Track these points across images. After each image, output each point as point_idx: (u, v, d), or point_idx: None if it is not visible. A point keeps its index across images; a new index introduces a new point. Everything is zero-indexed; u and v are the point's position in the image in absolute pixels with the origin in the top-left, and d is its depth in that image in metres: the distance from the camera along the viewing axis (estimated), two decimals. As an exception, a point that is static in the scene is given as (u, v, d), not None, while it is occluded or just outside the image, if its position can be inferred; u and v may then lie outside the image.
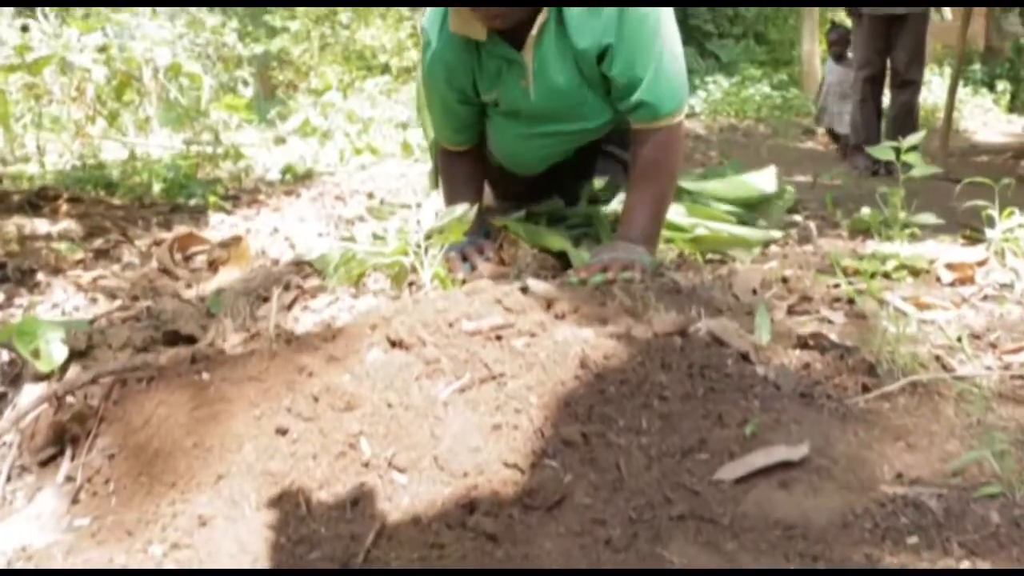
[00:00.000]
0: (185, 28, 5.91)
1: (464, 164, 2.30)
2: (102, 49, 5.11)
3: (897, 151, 5.20)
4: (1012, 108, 10.32)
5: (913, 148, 1.99)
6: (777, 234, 2.37)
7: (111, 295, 2.08)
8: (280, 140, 6.76)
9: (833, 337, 1.40)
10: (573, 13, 1.92)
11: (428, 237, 1.64)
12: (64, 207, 3.58)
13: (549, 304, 1.51)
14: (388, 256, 1.76)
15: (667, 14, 1.99)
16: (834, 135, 7.15)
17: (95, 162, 4.50)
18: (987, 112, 11.49)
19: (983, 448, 1.03)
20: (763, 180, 2.49)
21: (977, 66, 13.18)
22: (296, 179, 4.27)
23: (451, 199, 2.21)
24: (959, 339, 1.43)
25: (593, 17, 1.91)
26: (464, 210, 1.74)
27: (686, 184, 2.51)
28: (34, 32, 5.28)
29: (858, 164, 5.27)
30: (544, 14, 1.91)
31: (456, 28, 1.95)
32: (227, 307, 1.86)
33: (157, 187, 3.95)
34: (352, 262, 1.84)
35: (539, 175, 2.44)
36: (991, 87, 12.79)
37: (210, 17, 6.52)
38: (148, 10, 5.61)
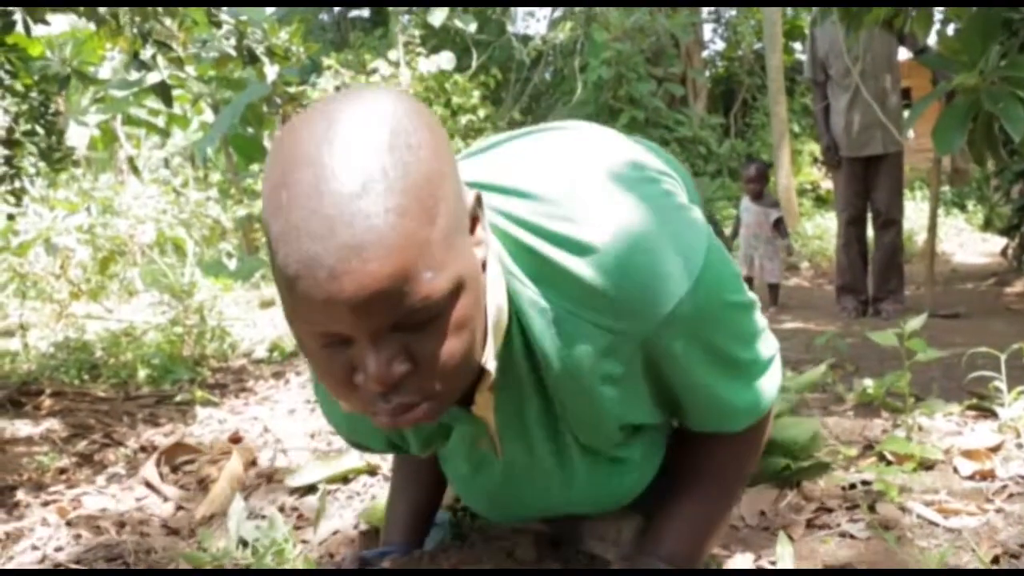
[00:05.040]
0: (169, 204, 5.98)
1: (416, 464, 1.49)
2: (86, 229, 5.14)
3: (881, 295, 5.21)
4: (986, 227, 10.50)
5: (915, 334, 1.96)
6: None
7: (95, 527, 1.98)
8: (266, 304, 6.79)
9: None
10: (545, 339, 1.05)
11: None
12: (47, 403, 3.52)
13: None
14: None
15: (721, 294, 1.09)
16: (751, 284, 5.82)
17: (79, 341, 4.45)
18: (961, 232, 11.67)
19: None
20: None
21: (947, 188, 13.50)
22: (284, 357, 4.22)
23: (390, 501, 1.52)
24: (995, 560, 1.36)
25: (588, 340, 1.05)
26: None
27: None
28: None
29: (847, 306, 5.27)
30: (491, 338, 0.99)
31: None
32: (220, 541, 1.77)
33: (143, 373, 3.88)
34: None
35: None
36: (962, 207, 13.06)
37: (193, 193, 6.62)
38: (131, 188, 5.68)
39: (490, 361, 1.00)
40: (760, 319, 1.18)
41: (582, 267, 1.00)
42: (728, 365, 1.13)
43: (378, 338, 0.83)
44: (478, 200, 0.95)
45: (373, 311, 0.80)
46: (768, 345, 1.20)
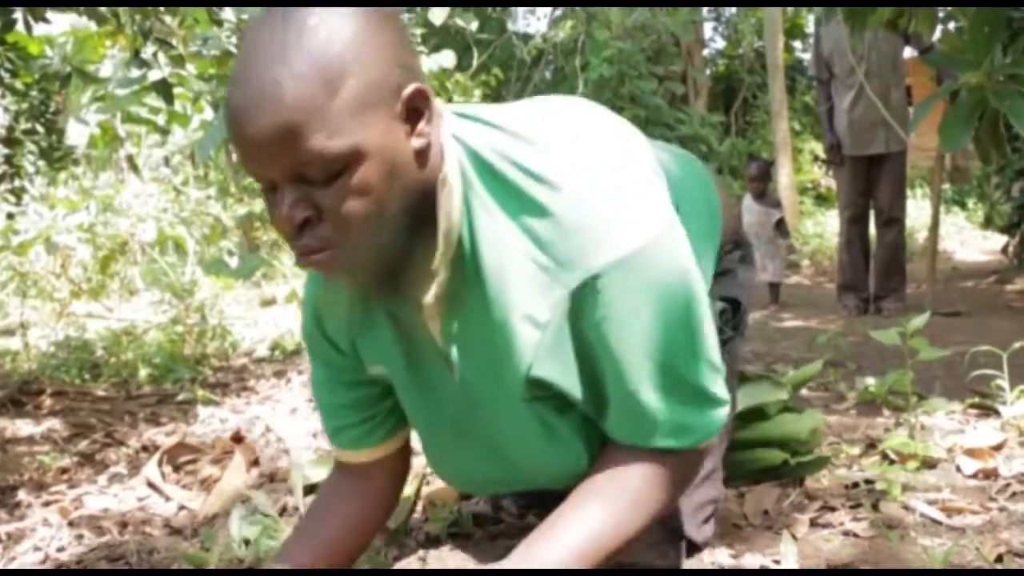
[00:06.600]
0: (169, 202, 5.98)
1: (339, 492, 1.37)
2: (87, 228, 5.15)
3: (882, 293, 5.22)
4: (986, 225, 10.50)
5: (917, 332, 1.95)
6: None
7: (97, 527, 1.98)
8: (267, 302, 6.79)
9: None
10: (490, 259, 1.09)
11: None
12: (48, 402, 3.52)
13: None
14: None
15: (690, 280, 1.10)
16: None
17: (79, 340, 4.45)
18: (961, 230, 11.68)
19: None
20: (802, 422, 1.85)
21: (947, 185, 13.50)
22: (285, 356, 4.22)
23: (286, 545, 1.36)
24: (999, 559, 1.36)
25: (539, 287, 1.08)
26: None
27: None
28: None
29: (847, 304, 5.27)
30: (442, 247, 1.09)
31: None
32: (223, 541, 1.77)
33: (144, 372, 3.88)
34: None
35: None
36: (962, 205, 13.06)
37: (193, 191, 6.62)
38: (131, 186, 5.68)
39: (441, 269, 1.09)
40: (715, 354, 1.13)
41: (537, 194, 1.05)
42: (658, 371, 1.09)
43: (288, 185, 0.99)
44: (421, 95, 1.03)
45: (270, 153, 0.97)
46: (717, 385, 1.14)
